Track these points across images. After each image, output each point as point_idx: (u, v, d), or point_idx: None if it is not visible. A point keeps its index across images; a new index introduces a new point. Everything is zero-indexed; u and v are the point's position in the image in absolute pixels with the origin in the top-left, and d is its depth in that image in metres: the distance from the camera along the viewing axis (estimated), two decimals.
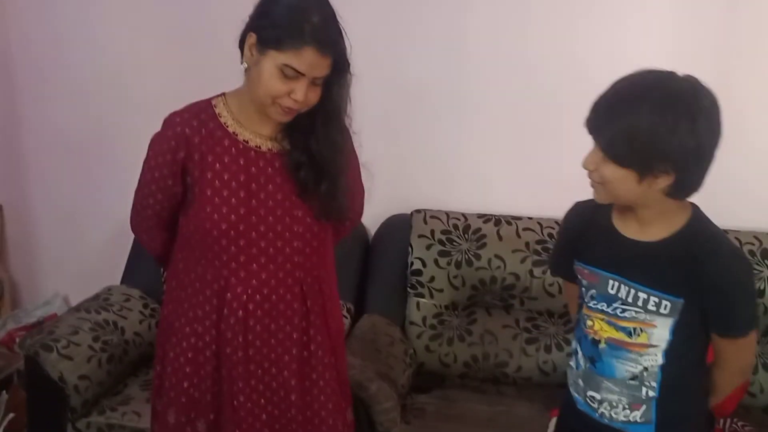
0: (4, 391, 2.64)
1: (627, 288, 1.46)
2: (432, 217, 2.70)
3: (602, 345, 1.51)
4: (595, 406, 1.55)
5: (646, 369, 1.49)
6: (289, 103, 1.55)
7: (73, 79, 3.00)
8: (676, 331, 1.45)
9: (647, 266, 1.45)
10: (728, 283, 1.43)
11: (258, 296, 1.67)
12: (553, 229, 2.59)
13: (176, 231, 1.73)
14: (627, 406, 1.52)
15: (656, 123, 1.31)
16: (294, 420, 1.75)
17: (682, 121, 1.33)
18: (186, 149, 1.62)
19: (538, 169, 2.74)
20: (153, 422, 1.82)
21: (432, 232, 2.66)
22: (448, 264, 2.64)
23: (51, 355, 2.24)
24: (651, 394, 1.50)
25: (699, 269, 1.41)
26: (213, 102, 1.67)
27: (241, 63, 1.60)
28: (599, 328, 1.51)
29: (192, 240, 1.67)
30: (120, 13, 2.92)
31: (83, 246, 3.14)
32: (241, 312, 1.66)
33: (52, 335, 2.31)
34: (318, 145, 1.64)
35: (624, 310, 1.47)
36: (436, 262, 2.64)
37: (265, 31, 1.53)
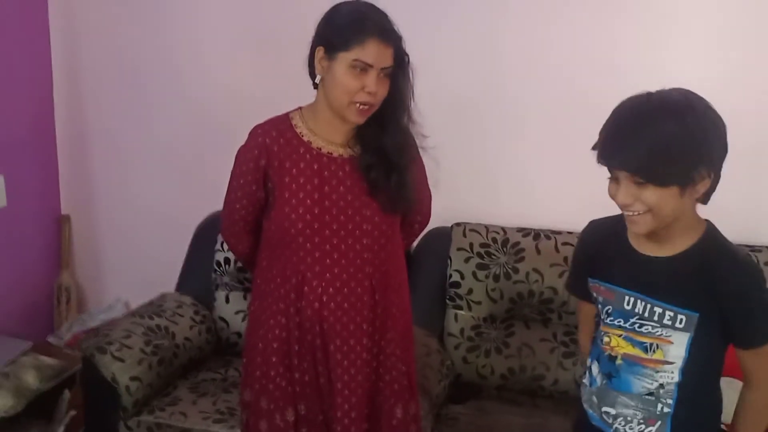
0: (67, 390, 2.81)
1: (643, 303, 1.49)
2: (471, 230, 2.75)
3: (619, 361, 1.54)
4: (610, 421, 1.58)
5: (662, 386, 1.50)
6: (364, 97, 1.71)
7: (138, 95, 3.18)
8: (692, 349, 1.47)
9: (663, 281, 1.47)
10: (745, 293, 1.44)
11: (331, 289, 1.83)
12: None
13: (260, 235, 1.91)
14: (642, 422, 1.53)
15: (687, 130, 1.35)
16: (362, 412, 1.87)
17: (706, 122, 1.38)
18: (267, 157, 1.81)
19: (581, 184, 2.73)
20: (243, 412, 1.97)
21: (471, 245, 2.72)
22: (486, 277, 2.69)
23: (105, 357, 2.40)
24: (666, 410, 1.52)
25: (715, 281, 1.43)
26: (290, 115, 1.87)
27: (313, 79, 1.80)
28: (616, 344, 1.54)
29: (273, 240, 1.86)
30: (188, 29, 3.07)
31: (143, 254, 3.31)
32: (317, 304, 1.83)
33: (107, 338, 2.46)
34: (388, 136, 1.80)
35: (642, 325, 1.50)
36: (474, 275, 2.69)
37: (332, 39, 1.72)
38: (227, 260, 2.84)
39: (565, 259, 2.63)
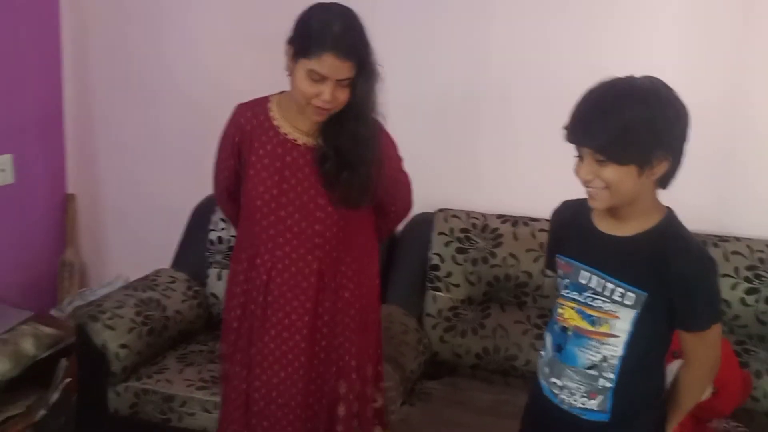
0: (64, 359, 2.96)
1: (597, 278, 1.56)
2: (453, 216, 2.85)
3: (569, 333, 1.61)
4: (557, 392, 1.65)
5: (605, 359, 1.57)
6: (319, 103, 1.81)
7: (142, 83, 3.32)
8: (636, 325, 1.54)
9: (618, 259, 1.55)
10: (694, 280, 1.50)
11: (280, 265, 1.96)
12: None
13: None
14: (585, 395, 1.61)
15: (649, 114, 1.43)
16: (296, 384, 1.98)
17: (668, 108, 1.46)
18: (241, 135, 1.97)
19: (560, 174, 2.83)
20: (222, 363, 2.13)
21: (451, 230, 2.82)
22: (465, 261, 2.79)
23: (96, 325, 2.54)
24: (607, 385, 1.59)
25: (665, 265, 1.49)
26: (270, 98, 2.00)
27: (286, 70, 1.89)
28: (569, 316, 1.62)
29: (243, 211, 2.02)
30: (186, 28, 3.22)
31: (143, 234, 3.45)
32: (265, 277, 1.97)
33: (99, 308, 2.61)
34: (343, 138, 1.89)
35: (594, 299, 1.57)
36: (453, 258, 2.80)
37: (297, 43, 1.81)
38: (220, 239, 2.97)
39: (541, 245, 2.72)
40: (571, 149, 2.76)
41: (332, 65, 1.75)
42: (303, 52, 1.77)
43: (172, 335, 2.78)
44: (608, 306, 1.56)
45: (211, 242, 3.00)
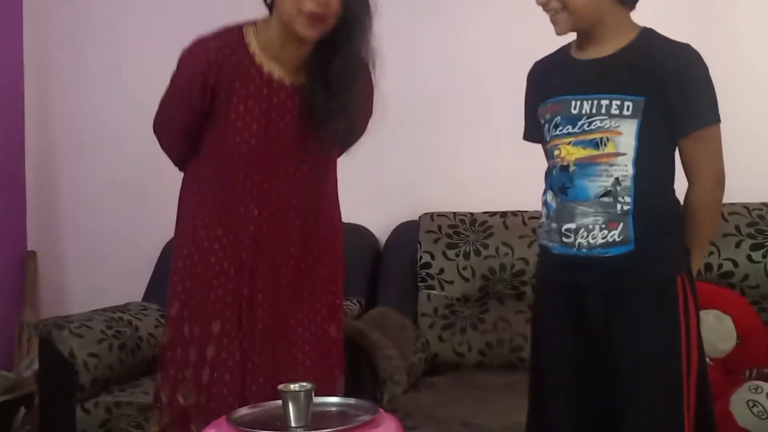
0: (23, 407, 2.66)
1: (589, 101, 1.50)
2: (439, 215, 2.76)
3: (572, 168, 1.52)
4: (572, 239, 1.53)
5: (618, 181, 1.49)
6: (311, 6, 1.68)
7: (105, 135, 3.24)
8: (641, 136, 1.47)
9: (605, 76, 1.51)
10: (685, 73, 1.48)
11: (266, 212, 1.82)
12: None
13: (198, 142, 1.88)
14: (604, 226, 1.50)
15: None
16: (283, 327, 1.83)
17: None
18: (216, 74, 1.79)
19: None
20: (168, 335, 1.88)
21: (439, 227, 2.72)
22: (457, 255, 2.66)
23: (63, 333, 2.30)
24: (626, 208, 1.49)
25: (655, 64, 1.47)
26: (244, 29, 1.83)
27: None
28: (566, 153, 1.53)
29: (213, 157, 1.84)
30: (151, 71, 3.20)
31: (108, 288, 3.22)
32: (252, 226, 1.82)
33: (66, 318, 2.38)
34: (337, 61, 1.77)
35: (590, 123, 1.50)
36: (444, 254, 2.67)
37: None
38: None
39: (533, 230, 2.61)
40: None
41: None
42: None
43: (146, 358, 2.53)
44: (608, 123, 1.49)
45: None
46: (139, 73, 3.17)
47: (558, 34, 1.56)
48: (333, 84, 1.79)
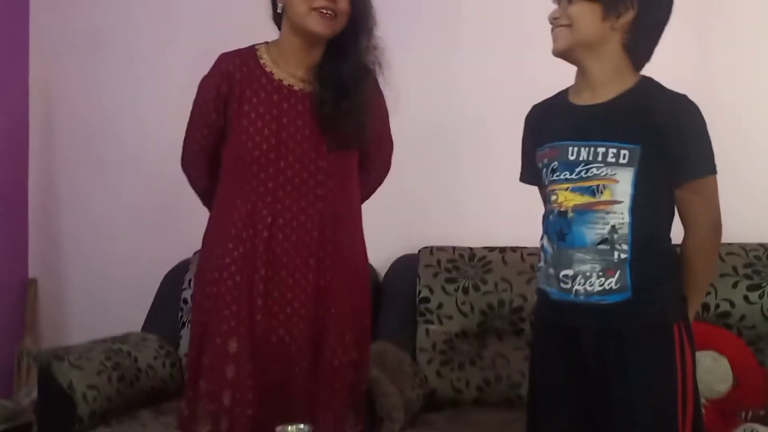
0: None
1: (587, 148, 1.52)
2: (438, 249, 2.77)
3: (570, 214, 1.54)
4: (569, 285, 1.54)
5: (614, 229, 1.50)
6: (322, 2, 1.76)
7: (107, 165, 3.28)
8: (637, 184, 1.49)
9: (602, 123, 1.52)
10: (681, 123, 1.49)
11: (281, 220, 1.83)
12: None
13: (218, 168, 1.92)
14: (602, 274, 1.51)
15: None
16: (302, 348, 1.84)
17: None
18: (228, 84, 1.86)
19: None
20: (191, 347, 1.90)
21: (438, 261, 2.73)
22: (456, 290, 2.67)
23: (62, 364, 2.30)
24: (623, 256, 1.50)
25: (652, 113, 1.49)
26: (256, 47, 1.93)
27: (277, 10, 1.87)
28: (564, 199, 1.55)
29: (228, 168, 1.88)
30: (158, 98, 3.23)
31: (109, 317, 3.22)
32: (265, 233, 1.82)
33: (65, 350, 2.39)
34: (346, 64, 1.84)
35: (588, 170, 1.52)
36: (443, 288, 2.68)
37: None
38: None
39: (532, 266, 2.63)
40: None
41: None
42: None
43: (145, 389, 2.54)
44: (604, 170, 1.50)
45: (185, 301, 2.83)
46: (145, 100, 3.22)
47: (554, 50, 1.57)
48: (342, 86, 1.85)
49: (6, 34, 3.20)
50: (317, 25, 1.81)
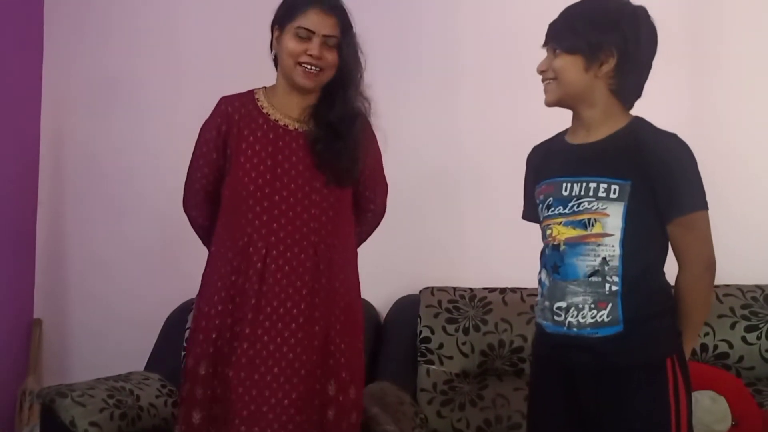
0: None
1: (579, 184, 1.58)
2: (439, 290, 2.80)
3: (562, 247, 1.59)
4: (562, 317, 1.58)
5: (605, 261, 1.54)
6: (307, 59, 1.88)
7: (112, 206, 3.33)
8: (628, 219, 1.54)
9: (594, 160, 1.59)
10: (670, 161, 1.54)
11: (274, 251, 1.89)
12: None
13: (219, 205, 2.00)
14: (593, 306, 1.55)
15: (601, 7, 1.57)
16: (290, 380, 1.84)
17: (625, 8, 1.57)
18: (228, 124, 1.96)
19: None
20: (184, 383, 1.95)
21: (439, 302, 2.76)
22: (456, 330, 2.70)
23: (65, 401, 2.32)
24: (614, 288, 1.54)
25: (643, 151, 1.54)
26: (254, 91, 2.04)
27: (272, 57, 2.00)
28: (557, 233, 1.60)
29: (227, 205, 1.95)
30: (157, 146, 3.30)
31: (114, 357, 3.25)
32: (259, 264, 1.88)
33: (69, 387, 2.40)
34: (335, 109, 1.93)
35: (579, 204, 1.57)
36: (444, 329, 2.70)
37: (281, 16, 1.94)
38: None
39: (532, 307, 2.66)
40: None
41: (317, 19, 1.88)
42: (289, 17, 1.90)
43: (146, 428, 2.53)
44: (595, 204, 1.56)
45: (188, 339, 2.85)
46: (151, 144, 3.29)
47: (546, 102, 1.66)
48: (334, 128, 1.93)
49: (19, 80, 3.28)
50: (302, 79, 1.93)
